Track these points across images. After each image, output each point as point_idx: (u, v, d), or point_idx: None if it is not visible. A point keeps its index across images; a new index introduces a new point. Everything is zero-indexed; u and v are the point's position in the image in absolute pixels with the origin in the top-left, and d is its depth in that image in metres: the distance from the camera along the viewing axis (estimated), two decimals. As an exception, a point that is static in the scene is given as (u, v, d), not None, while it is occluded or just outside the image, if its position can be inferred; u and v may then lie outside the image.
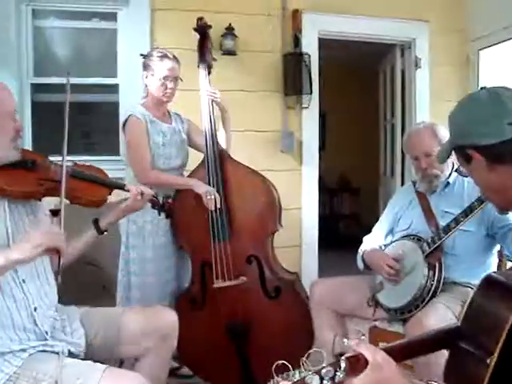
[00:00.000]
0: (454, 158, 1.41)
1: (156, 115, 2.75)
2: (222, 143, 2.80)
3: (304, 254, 3.99)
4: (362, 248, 2.48)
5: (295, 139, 3.91)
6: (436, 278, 2.14)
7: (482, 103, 1.26)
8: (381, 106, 5.24)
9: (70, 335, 1.78)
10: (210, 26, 2.80)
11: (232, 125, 2.90)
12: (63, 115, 1.80)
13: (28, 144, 3.55)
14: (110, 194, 1.93)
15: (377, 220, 2.64)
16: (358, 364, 1.00)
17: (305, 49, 3.87)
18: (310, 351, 1.07)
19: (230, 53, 3.67)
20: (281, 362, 0.98)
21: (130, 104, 3.43)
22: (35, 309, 1.67)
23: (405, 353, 1.28)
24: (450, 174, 2.36)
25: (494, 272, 1.91)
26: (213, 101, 2.72)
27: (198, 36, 2.77)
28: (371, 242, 2.51)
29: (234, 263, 2.63)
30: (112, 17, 3.75)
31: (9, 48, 3.50)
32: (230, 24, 3.65)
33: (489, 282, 1.24)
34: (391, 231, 2.53)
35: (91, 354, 1.79)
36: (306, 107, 3.92)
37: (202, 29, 2.75)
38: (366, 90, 6.42)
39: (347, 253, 3.25)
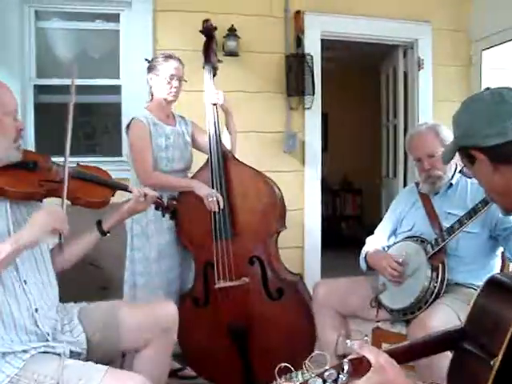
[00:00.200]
0: (457, 159, 1.40)
1: (160, 118, 2.76)
2: (227, 145, 2.80)
3: (307, 254, 3.99)
4: (365, 249, 2.48)
5: (298, 140, 3.91)
6: (439, 279, 2.13)
7: (485, 104, 1.25)
8: (383, 107, 5.23)
9: (69, 333, 1.78)
10: (216, 28, 2.80)
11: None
12: (66, 118, 1.80)
13: (31, 145, 3.56)
14: (112, 195, 1.93)
15: (379, 221, 2.64)
16: (360, 366, 1.00)
17: (307, 50, 3.88)
18: (313, 354, 1.06)
19: (233, 54, 3.67)
20: (283, 364, 0.98)
21: (133, 105, 3.48)
22: (36, 310, 1.67)
23: (408, 354, 1.27)
24: (453, 176, 2.35)
25: (498, 273, 1.90)
26: (217, 103, 2.72)
27: (202, 37, 2.77)
28: (374, 243, 2.50)
29: (237, 264, 2.63)
30: (114, 18, 3.76)
31: (12, 49, 3.51)
32: (232, 25, 3.65)
33: (492, 284, 1.24)
34: (394, 232, 2.52)
35: (91, 350, 1.79)
36: (308, 108, 3.92)
37: (208, 31, 2.75)
38: (369, 91, 6.41)
39: (350, 254, 3.25)
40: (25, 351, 1.60)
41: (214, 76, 2.76)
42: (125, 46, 3.73)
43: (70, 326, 1.80)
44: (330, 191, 7.24)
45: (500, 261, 2.32)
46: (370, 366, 1.01)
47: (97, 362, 1.64)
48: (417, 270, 2.21)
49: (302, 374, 0.96)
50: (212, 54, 2.76)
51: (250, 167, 2.72)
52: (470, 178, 2.27)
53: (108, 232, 1.94)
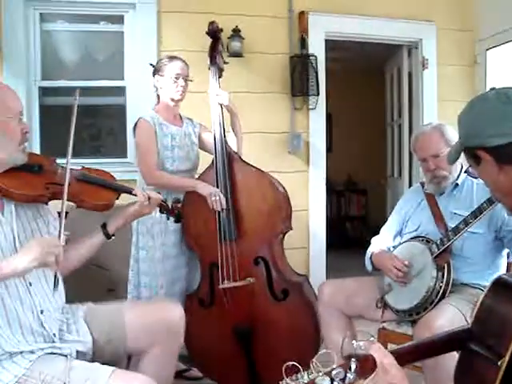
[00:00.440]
0: (462, 159, 1.40)
1: (166, 118, 2.77)
2: (233, 146, 2.80)
3: (312, 255, 3.99)
4: (370, 249, 2.48)
5: (302, 140, 3.91)
6: (445, 279, 2.13)
7: (491, 104, 1.25)
8: (388, 107, 5.23)
9: (75, 333, 1.78)
10: (222, 30, 2.80)
11: (239, 126, 2.90)
12: (70, 121, 1.80)
13: (36, 147, 3.57)
14: (117, 197, 1.93)
15: (384, 221, 2.63)
16: (367, 365, 1.01)
17: (311, 50, 3.88)
18: (320, 352, 1.07)
19: (237, 55, 3.68)
20: (291, 363, 0.98)
21: (137, 106, 3.49)
22: (42, 311, 1.67)
23: (415, 354, 1.28)
24: (458, 176, 2.35)
25: (505, 274, 1.91)
26: (222, 104, 2.73)
27: (207, 38, 2.77)
28: (379, 243, 2.50)
29: (241, 264, 2.63)
30: (119, 20, 3.77)
31: (17, 51, 3.53)
32: (236, 26, 3.66)
33: (499, 284, 1.24)
34: (399, 233, 2.52)
35: (97, 351, 1.79)
36: (312, 108, 3.92)
37: (214, 33, 2.75)
38: (373, 91, 6.41)
39: (355, 254, 3.25)
40: (32, 352, 1.60)
41: (219, 77, 2.76)
42: (129, 48, 3.73)
43: (76, 326, 1.81)
44: (334, 192, 7.23)
45: (506, 261, 2.31)
46: (376, 364, 1.01)
47: (103, 364, 1.64)
48: (422, 271, 2.20)
49: (310, 373, 0.97)
50: (218, 55, 2.76)
51: (256, 168, 2.72)
52: (475, 178, 2.27)
53: (113, 235, 1.93)
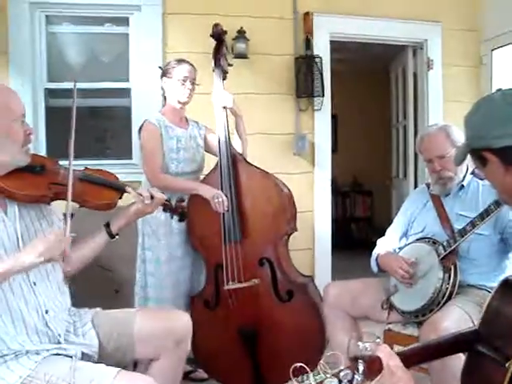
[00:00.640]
0: (468, 160, 1.40)
1: (172, 121, 2.78)
2: (238, 148, 2.81)
3: (317, 256, 3.98)
4: (376, 251, 2.47)
5: (307, 142, 3.91)
6: (451, 281, 2.12)
7: (497, 105, 1.25)
8: (393, 108, 5.22)
9: (82, 337, 1.79)
10: (226, 32, 2.80)
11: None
12: (71, 120, 1.81)
13: (42, 149, 3.58)
14: (120, 197, 1.93)
15: (390, 222, 2.63)
16: (374, 366, 1.01)
17: (316, 51, 3.87)
18: (327, 354, 1.07)
19: (242, 56, 3.68)
20: (298, 364, 0.98)
21: (142, 108, 3.50)
22: (47, 311, 1.68)
23: (422, 356, 1.27)
24: (464, 177, 2.34)
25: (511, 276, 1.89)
26: (226, 106, 2.73)
27: (212, 40, 2.77)
28: (385, 244, 2.49)
29: (246, 265, 2.63)
30: (124, 22, 3.78)
31: (23, 53, 3.54)
32: (241, 27, 3.66)
33: (506, 286, 1.23)
34: (405, 234, 2.51)
35: (104, 357, 1.80)
36: (317, 109, 3.92)
37: (218, 35, 2.76)
38: (378, 92, 6.41)
39: (360, 255, 3.24)
40: (37, 353, 1.61)
41: (223, 80, 2.77)
42: (134, 50, 3.74)
43: (83, 329, 1.81)
44: (339, 193, 7.22)
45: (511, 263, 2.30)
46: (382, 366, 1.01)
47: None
48: (428, 272, 2.20)
49: (317, 374, 0.97)
50: (222, 58, 2.76)
51: (260, 169, 2.72)
52: (481, 179, 2.26)
53: (117, 234, 1.94)
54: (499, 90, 1.29)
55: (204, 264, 2.76)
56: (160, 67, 2.88)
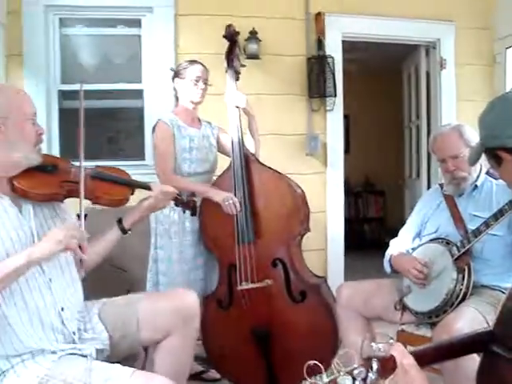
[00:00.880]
0: (482, 160, 1.39)
1: (185, 121, 2.80)
2: (251, 148, 2.81)
3: (330, 257, 3.98)
4: (389, 252, 2.46)
5: (320, 142, 3.90)
6: (465, 282, 2.10)
7: (511, 104, 1.24)
8: (405, 108, 5.20)
9: (91, 331, 1.80)
10: (239, 33, 2.81)
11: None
12: (78, 119, 1.84)
13: (55, 149, 3.62)
14: (132, 193, 1.95)
15: (403, 223, 2.61)
16: (388, 365, 1.00)
17: (328, 51, 3.87)
18: (340, 352, 1.07)
19: (254, 57, 3.69)
20: (312, 362, 0.98)
21: (155, 109, 3.52)
22: (62, 309, 1.70)
23: (436, 356, 1.27)
24: (478, 177, 2.32)
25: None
26: (239, 106, 2.74)
27: (224, 41, 2.78)
28: (398, 245, 2.48)
29: (259, 266, 2.63)
30: (136, 23, 3.81)
31: (37, 56, 3.59)
32: (253, 28, 3.67)
33: (521, 286, 1.22)
34: (418, 234, 2.50)
35: (114, 347, 1.81)
36: (330, 110, 3.92)
37: (231, 36, 2.77)
38: (390, 92, 6.38)
39: (373, 256, 3.23)
40: (54, 352, 1.62)
41: (236, 80, 2.78)
42: (147, 51, 3.77)
43: (91, 324, 1.83)
44: (352, 193, 7.21)
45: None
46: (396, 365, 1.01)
47: (121, 358, 1.67)
48: (442, 272, 2.18)
49: (327, 374, 0.97)
50: (235, 58, 2.77)
51: (273, 169, 2.72)
52: (496, 179, 2.24)
53: (129, 230, 1.96)
54: (513, 88, 1.28)
55: (217, 264, 2.77)
56: (171, 69, 2.89)
